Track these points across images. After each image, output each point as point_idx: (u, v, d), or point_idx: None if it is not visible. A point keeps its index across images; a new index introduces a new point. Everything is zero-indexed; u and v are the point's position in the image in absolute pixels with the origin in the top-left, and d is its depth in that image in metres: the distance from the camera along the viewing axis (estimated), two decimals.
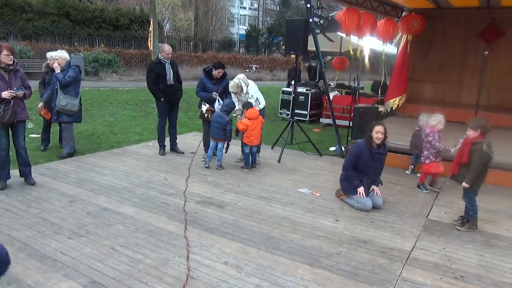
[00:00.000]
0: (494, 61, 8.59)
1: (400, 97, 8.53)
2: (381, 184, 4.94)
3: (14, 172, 4.99)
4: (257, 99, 6.15)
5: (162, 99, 6.32)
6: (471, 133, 4.09)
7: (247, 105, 5.90)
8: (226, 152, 6.09)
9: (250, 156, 6.03)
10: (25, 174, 4.93)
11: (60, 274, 3.04)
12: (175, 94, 6.46)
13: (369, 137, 4.61)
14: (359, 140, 4.92)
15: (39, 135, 6.80)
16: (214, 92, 6.10)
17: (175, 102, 6.54)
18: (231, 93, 6.15)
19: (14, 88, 4.52)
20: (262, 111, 6.21)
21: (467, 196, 4.18)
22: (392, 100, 8.43)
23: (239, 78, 6.04)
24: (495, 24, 8.87)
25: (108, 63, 19.68)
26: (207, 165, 6.06)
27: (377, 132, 4.55)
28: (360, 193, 4.63)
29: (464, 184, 4.07)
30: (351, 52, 9.03)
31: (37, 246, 3.43)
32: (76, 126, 8.40)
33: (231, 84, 6.03)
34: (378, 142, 4.59)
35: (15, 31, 19.24)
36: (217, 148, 6.02)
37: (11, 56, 4.48)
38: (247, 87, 6.06)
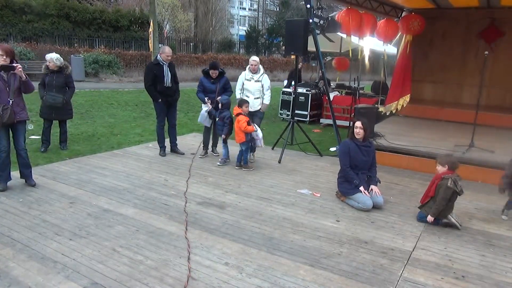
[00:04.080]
0: (494, 61, 8.60)
1: (404, 98, 8.51)
2: (379, 182, 4.94)
3: (15, 174, 4.99)
4: (263, 88, 6.49)
5: (159, 100, 6.33)
6: (439, 168, 4.30)
7: (241, 102, 6.06)
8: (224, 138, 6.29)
9: (242, 155, 6.11)
10: (26, 175, 4.93)
11: (61, 276, 3.03)
12: (172, 96, 6.48)
13: (352, 133, 4.91)
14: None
15: (40, 137, 6.80)
16: (207, 98, 6.23)
17: (172, 103, 6.56)
18: (248, 71, 6.45)
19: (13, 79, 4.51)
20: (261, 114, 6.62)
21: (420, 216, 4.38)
22: (395, 103, 8.41)
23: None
24: (495, 24, 8.88)
25: (108, 64, 19.67)
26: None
27: (356, 127, 4.83)
28: (363, 192, 4.63)
29: (429, 217, 4.25)
30: (350, 54, 9.03)
31: (38, 248, 3.43)
32: (77, 127, 8.44)
33: (252, 59, 6.41)
34: (358, 136, 4.83)
35: (15, 33, 19.23)
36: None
37: (4, 57, 4.47)
38: (263, 72, 6.50)
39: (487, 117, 7.72)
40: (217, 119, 6.20)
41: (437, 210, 4.17)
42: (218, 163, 6.22)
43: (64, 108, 6.57)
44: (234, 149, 6.44)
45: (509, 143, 6.85)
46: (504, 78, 8.95)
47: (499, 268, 3.44)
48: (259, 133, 6.09)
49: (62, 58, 6.53)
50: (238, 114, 5.92)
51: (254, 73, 6.41)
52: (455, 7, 8.76)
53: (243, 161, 6.08)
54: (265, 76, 6.50)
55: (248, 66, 6.45)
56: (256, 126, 6.10)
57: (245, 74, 6.46)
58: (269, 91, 6.52)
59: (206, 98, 6.24)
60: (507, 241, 3.96)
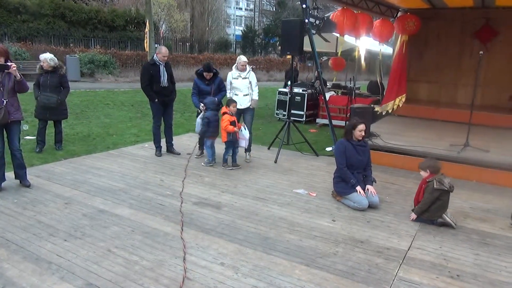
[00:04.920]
0: (489, 61, 8.65)
1: (399, 98, 8.54)
2: (375, 182, 4.95)
3: (9, 174, 4.96)
4: (251, 85, 6.49)
5: (156, 100, 6.32)
6: (423, 174, 4.41)
7: (229, 102, 6.04)
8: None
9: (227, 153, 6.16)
10: (20, 176, 4.90)
11: (55, 277, 3.02)
12: (169, 96, 6.47)
13: (349, 133, 4.88)
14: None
15: (34, 137, 6.77)
16: (202, 105, 6.20)
17: (168, 103, 6.55)
18: (236, 70, 6.43)
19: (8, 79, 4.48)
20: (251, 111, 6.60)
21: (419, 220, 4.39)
22: (391, 103, 8.43)
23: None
24: (489, 24, 8.92)
25: (104, 64, 19.60)
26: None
27: (360, 130, 4.84)
28: (359, 191, 4.64)
29: (412, 214, 4.38)
30: (339, 54, 9.08)
31: (32, 249, 3.41)
32: (72, 127, 8.41)
33: (242, 58, 6.42)
34: (360, 138, 4.86)
35: (10, 33, 19.12)
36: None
37: None
38: (250, 69, 6.55)
39: (482, 116, 7.76)
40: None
41: (420, 209, 4.28)
42: (211, 164, 6.23)
43: (59, 108, 6.53)
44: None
45: (503, 143, 6.90)
46: (498, 77, 9.00)
47: (494, 267, 3.46)
48: (246, 134, 6.10)
49: (56, 58, 6.49)
50: (223, 114, 5.93)
51: (241, 71, 6.44)
52: (450, 7, 8.80)
53: (232, 160, 6.13)
54: (252, 73, 6.57)
55: (235, 65, 6.47)
56: (245, 126, 6.12)
57: (232, 74, 6.48)
58: (257, 87, 6.56)
59: (201, 106, 6.20)
60: (502, 240, 3.98)
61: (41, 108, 6.44)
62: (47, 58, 6.31)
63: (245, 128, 6.09)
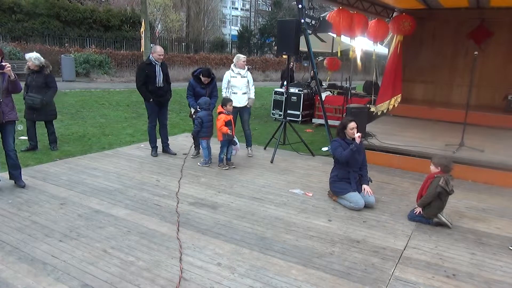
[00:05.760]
0: (484, 61, 8.70)
1: (395, 98, 8.56)
2: (371, 182, 4.96)
3: (4, 175, 4.93)
4: (249, 84, 6.65)
5: (151, 100, 6.30)
6: (432, 168, 4.41)
7: (225, 101, 6.06)
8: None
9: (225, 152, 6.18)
10: (15, 176, 4.87)
11: (51, 278, 3.00)
12: (164, 96, 6.46)
13: (342, 132, 4.88)
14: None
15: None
16: (196, 110, 6.24)
17: (164, 103, 6.54)
18: (235, 68, 6.56)
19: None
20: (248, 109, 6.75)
21: (411, 215, 4.47)
22: (386, 103, 8.45)
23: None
24: (484, 25, 8.97)
25: (99, 64, 19.51)
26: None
27: (352, 128, 4.80)
28: (364, 189, 4.69)
29: (416, 208, 4.42)
30: (339, 54, 9.10)
31: (28, 250, 3.39)
32: (68, 128, 8.37)
33: (241, 56, 6.62)
34: (353, 136, 4.80)
35: (4, 32, 19.00)
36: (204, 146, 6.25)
37: None
38: (247, 68, 6.71)
39: (476, 116, 7.80)
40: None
41: (424, 202, 4.30)
42: (207, 165, 6.21)
43: (45, 109, 6.42)
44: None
45: (498, 142, 6.94)
46: (493, 77, 9.06)
47: (489, 266, 3.47)
48: (238, 146, 6.21)
49: (41, 57, 6.30)
50: (219, 113, 5.94)
51: (241, 69, 6.54)
52: (445, 7, 8.84)
53: (226, 159, 6.16)
54: (249, 72, 6.72)
55: (234, 64, 6.57)
56: (236, 139, 6.16)
57: (231, 72, 6.57)
58: (253, 86, 6.72)
59: (196, 109, 6.23)
60: (497, 239, 4.00)
61: (27, 109, 6.39)
62: (31, 57, 6.14)
63: (236, 142, 6.17)
